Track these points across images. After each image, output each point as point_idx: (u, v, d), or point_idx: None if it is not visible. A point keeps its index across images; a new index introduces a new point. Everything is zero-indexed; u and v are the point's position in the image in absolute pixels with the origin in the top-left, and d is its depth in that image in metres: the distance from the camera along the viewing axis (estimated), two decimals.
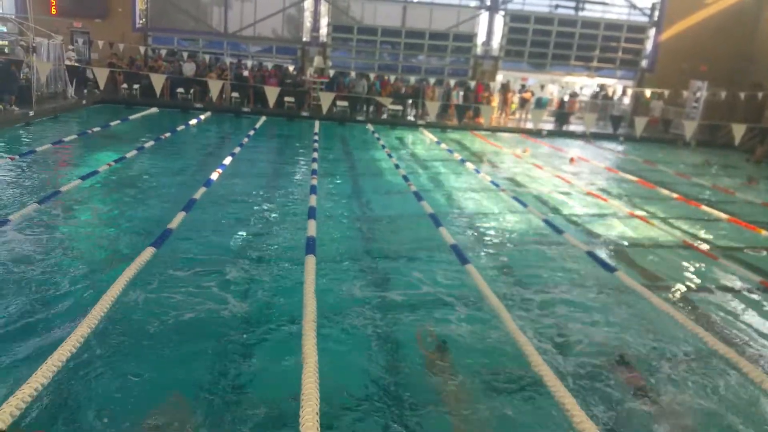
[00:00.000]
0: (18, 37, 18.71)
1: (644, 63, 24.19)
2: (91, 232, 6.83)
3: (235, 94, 19.65)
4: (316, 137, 14.35)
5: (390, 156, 12.97)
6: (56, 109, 15.59)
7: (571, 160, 15.16)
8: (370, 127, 18.19)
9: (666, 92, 22.40)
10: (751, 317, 5.88)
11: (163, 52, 22.37)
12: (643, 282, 6.06)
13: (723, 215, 9.62)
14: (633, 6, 24.01)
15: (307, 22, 23.48)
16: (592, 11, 23.92)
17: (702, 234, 8.86)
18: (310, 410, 2.54)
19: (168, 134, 13.24)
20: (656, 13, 23.69)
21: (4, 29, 20.82)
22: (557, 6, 23.81)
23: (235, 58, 22.44)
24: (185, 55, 21.86)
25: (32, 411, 3.34)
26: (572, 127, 21.57)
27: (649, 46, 23.96)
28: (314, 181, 9.17)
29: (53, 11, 21.22)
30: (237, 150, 11.85)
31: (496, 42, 23.82)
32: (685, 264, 7.33)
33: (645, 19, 24.03)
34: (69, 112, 16.11)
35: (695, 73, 22.38)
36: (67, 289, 5.14)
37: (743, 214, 10.14)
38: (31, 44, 15.54)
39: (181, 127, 14.65)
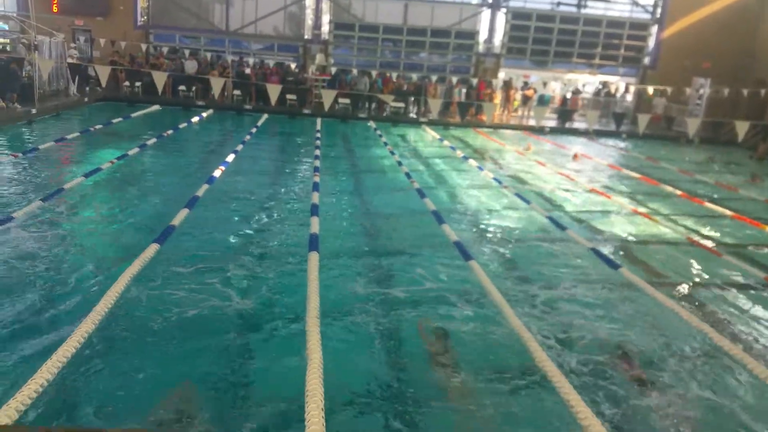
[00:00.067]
0: (20, 35, 18.70)
1: (647, 60, 24.11)
2: (95, 229, 6.85)
3: (236, 92, 19.63)
4: (318, 135, 14.33)
5: (392, 153, 12.94)
6: (58, 107, 15.59)
7: (574, 156, 15.13)
8: (372, 124, 18.16)
9: (669, 89, 22.33)
10: (755, 313, 5.87)
11: (165, 49, 22.37)
12: (647, 279, 6.04)
13: (727, 212, 9.60)
14: (635, 3, 23.92)
15: (309, 20, 23.45)
16: (594, 8, 23.83)
17: (706, 231, 8.83)
18: (314, 406, 2.53)
19: (170, 132, 13.24)
20: (659, 10, 23.61)
21: (6, 27, 20.80)
22: (559, 3, 23.72)
23: (237, 55, 22.42)
24: (187, 52, 21.86)
25: (37, 406, 3.34)
26: (575, 125, 21.54)
27: (651, 43, 23.88)
28: (316, 179, 9.15)
29: (55, 9, 21.19)
30: (239, 147, 11.83)
31: (498, 39, 23.76)
32: (688, 261, 7.32)
33: (647, 16, 23.94)
34: (71, 110, 16.12)
35: (698, 70, 22.29)
36: (71, 285, 5.15)
37: (747, 210, 10.12)
38: (32, 42, 15.55)
39: (183, 125, 14.64)
